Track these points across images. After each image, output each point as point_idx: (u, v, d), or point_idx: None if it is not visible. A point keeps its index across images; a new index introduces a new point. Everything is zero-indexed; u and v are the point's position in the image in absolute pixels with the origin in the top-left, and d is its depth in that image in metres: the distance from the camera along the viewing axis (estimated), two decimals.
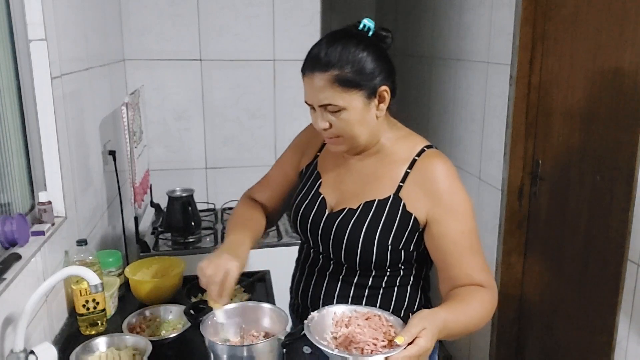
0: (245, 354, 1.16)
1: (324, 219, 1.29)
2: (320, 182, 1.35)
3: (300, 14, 2.63)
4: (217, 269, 1.19)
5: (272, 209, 1.51)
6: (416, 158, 1.24)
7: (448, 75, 2.86)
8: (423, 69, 3.21)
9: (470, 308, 1.14)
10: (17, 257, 1.26)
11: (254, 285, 1.74)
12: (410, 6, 3.40)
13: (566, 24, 2.00)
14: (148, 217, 2.56)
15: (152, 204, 2.57)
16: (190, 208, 2.26)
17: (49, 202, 1.47)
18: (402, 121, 1.37)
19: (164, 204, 2.43)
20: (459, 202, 1.21)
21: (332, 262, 1.31)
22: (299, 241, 1.44)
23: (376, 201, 1.23)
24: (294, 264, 1.47)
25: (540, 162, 2.19)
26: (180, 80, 2.61)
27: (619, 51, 1.74)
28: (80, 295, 1.48)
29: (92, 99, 1.90)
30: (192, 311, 1.31)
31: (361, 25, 1.23)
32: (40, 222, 1.46)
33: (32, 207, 1.52)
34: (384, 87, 1.20)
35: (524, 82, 2.19)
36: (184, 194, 2.26)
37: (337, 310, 1.13)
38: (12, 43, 1.42)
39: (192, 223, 2.27)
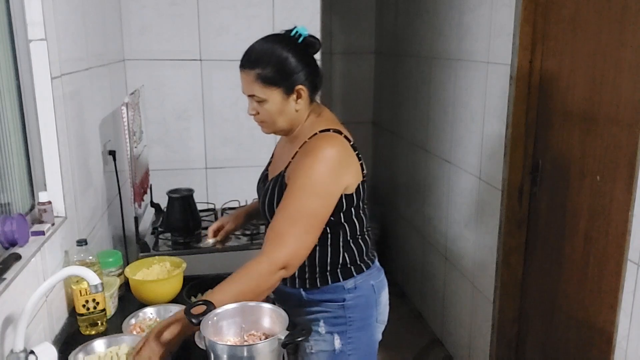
0: (245, 354, 1.16)
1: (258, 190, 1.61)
2: (270, 163, 1.66)
3: (300, 14, 2.63)
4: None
5: None
6: (307, 140, 1.43)
7: (448, 75, 2.86)
8: (423, 69, 3.21)
9: (228, 283, 1.34)
10: (17, 257, 1.26)
11: None
12: (410, 6, 3.40)
13: (566, 24, 2.00)
14: (148, 217, 2.56)
15: (152, 204, 2.57)
16: (190, 208, 2.26)
17: (49, 202, 1.47)
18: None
19: (164, 204, 2.43)
20: (304, 175, 1.37)
21: None
22: None
23: (275, 176, 1.50)
24: None
25: (540, 162, 2.19)
26: (180, 80, 2.61)
27: (619, 51, 1.75)
28: (80, 295, 1.48)
29: (92, 99, 1.90)
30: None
31: (293, 32, 1.43)
32: (40, 222, 1.46)
33: (32, 207, 1.51)
34: (300, 86, 1.41)
35: (524, 82, 2.19)
36: (184, 194, 2.26)
37: None
38: (12, 43, 1.42)
39: (192, 223, 2.27)
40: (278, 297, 1.62)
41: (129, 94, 1.99)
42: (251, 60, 1.41)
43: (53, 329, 1.46)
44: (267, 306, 1.31)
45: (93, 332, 1.51)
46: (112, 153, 2.02)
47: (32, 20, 1.42)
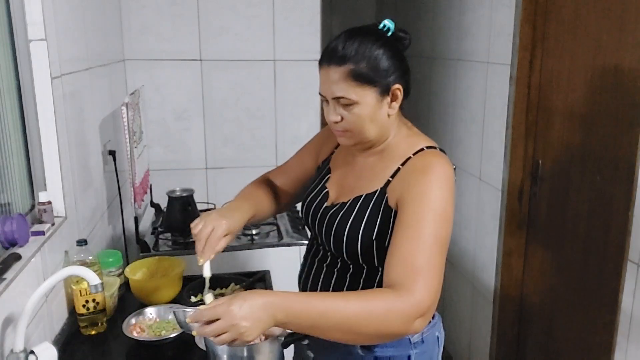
0: (245, 354, 1.16)
1: (321, 210, 1.32)
2: (329, 177, 1.38)
3: (300, 14, 2.63)
4: (205, 226, 1.27)
5: (285, 193, 1.54)
6: (411, 156, 1.24)
7: (448, 75, 2.86)
8: (423, 69, 3.21)
9: (342, 301, 1.04)
10: (17, 257, 1.26)
11: (254, 285, 1.74)
12: (410, 6, 3.40)
13: (566, 24, 2.00)
14: (148, 217, 2.56)
15: (152, 204, 2.57)
16: (190, 208, 2.25)
17: (49, 202, 1.47)
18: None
19: (164, 204, 2.43)
20: (432, 198, 1.13)
21: (329, 253, 1.33)
22: (300, 241, 1.46)
23: (363, 196, 1.24)
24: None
25: (540, 162, 2.19)
26: (180, 80, 2.61)
27: (619, 51, 1.74)
28: (80, 295, 1.48)
29: (92, 99, 1.90)
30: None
31: (381, 25, 1.23)
32: (40, 222, 1.46)
33: (32, 207, 1.51)
34: (397, 86, 1.21)
35: (524, 82, 2.19)
36: (184, 194, 2.26)
37: None
38: (12, 43, 1.42)
39: None
40: (318, 354, 1.35)
41: (129, 94, 1.99)
42: (340, 54, 1.17)
43: (53, 329, 1.46)
44: None
45: (93, 332, 1.51)
46: (112, 153, 2.02)
47: (32, 20, 1.42)
